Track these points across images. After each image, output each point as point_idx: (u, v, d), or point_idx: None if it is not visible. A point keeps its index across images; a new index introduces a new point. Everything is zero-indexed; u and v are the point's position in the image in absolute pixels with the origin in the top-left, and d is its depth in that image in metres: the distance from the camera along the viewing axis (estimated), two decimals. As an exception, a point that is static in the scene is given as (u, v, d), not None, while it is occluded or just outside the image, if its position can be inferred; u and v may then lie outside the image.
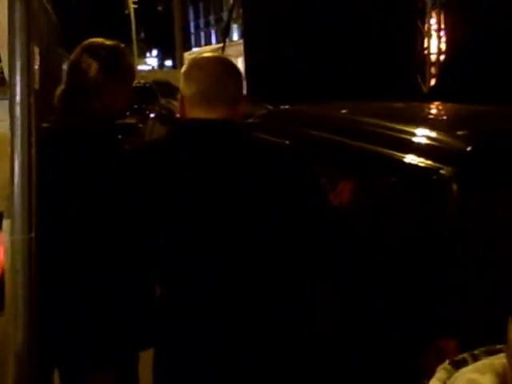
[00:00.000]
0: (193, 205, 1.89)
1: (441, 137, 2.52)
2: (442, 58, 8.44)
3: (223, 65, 2.02)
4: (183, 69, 2.05)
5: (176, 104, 8.36)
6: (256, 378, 1.93)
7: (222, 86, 1.97)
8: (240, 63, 15.88)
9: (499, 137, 2.46)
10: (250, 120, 4.35)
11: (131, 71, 2.56)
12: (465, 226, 2.14)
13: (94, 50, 2.45)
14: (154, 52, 63.38)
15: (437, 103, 3.93)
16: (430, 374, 2.01)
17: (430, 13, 9.18)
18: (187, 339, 1.93)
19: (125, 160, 2.16)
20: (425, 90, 8.12)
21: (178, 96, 2.07)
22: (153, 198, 1.92)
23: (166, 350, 2.00)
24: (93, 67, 2.41)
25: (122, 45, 2.58)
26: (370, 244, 2.44)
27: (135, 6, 38.56)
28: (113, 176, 2.14)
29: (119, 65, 2.46)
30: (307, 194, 1.96)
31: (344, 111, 3.26)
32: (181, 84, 2.03)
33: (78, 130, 2.39)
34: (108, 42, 2.50)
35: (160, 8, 52.51)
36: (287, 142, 3.06)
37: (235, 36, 35.38)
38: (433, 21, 9.20)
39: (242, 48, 14.22)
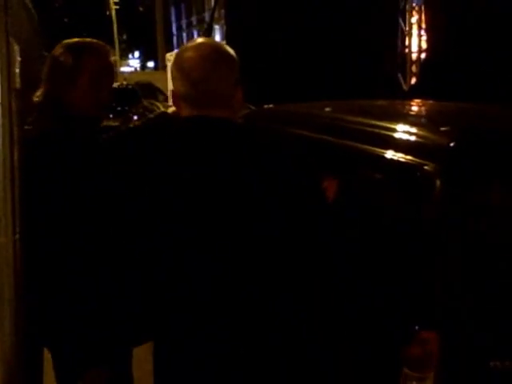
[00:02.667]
0: (189, 204, 1.86)
1: (424, 133, 2.54)
2: (423, 56, 8.50)
3: (217, 56, 1.90)
4: (174, 62, 1.95)
5: (159, 105, 8.36)
6: (255, 377, 1.92)
7: (216, 82, 1.89)
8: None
9: (482, 133, 2.49)
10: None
11: (111, 70, 2.55)
12: (449, 221, 2.16)
13: (68, 47, 2.47)
14: (136, 53, 63.24)
15: (418, 101, 3.95)
16: (412, 364, 2.04)
17: (411, 11, 9.24)
18: (186, 340, 1.92)
19: (121, 160, 2.14)
20: (405, 88, 8.18)
21: (170, 91, 2.05)
22: (149, 199, 1.90)
23: (165, 351, 1.98)
24: (69, 63, 2.42)
25: (101, 42, 2.58)
26: (356, 240, 2.46)
27: (116, 7, 38.43)
28: (103, 177, 2.13)
29: (98, 62, 2.47)
30: (305, 193, 1.94)
31: (327, 109, 3.27)
32: (172, 79, 1.96)
33: (65, 131, 2.39)
34: (81, 39, 2.52)
35: (141, 9, 52.38)
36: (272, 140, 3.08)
37: (218, 37, 35.39)
38: (414, 19, 9.26)
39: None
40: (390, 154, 2.41)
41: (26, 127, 2.46)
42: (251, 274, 1.88)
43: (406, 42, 9.19)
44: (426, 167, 2.21)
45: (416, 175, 2.24)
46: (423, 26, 8.74)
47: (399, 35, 9.18)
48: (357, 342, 2.31)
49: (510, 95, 4.81)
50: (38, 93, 2.52)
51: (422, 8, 8.89)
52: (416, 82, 8.05)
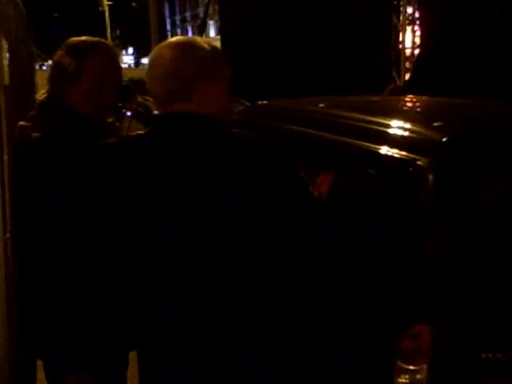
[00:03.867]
0: (159, 203, 1.90)
1: (417, 129, 2.56)
2: (417, 52, 8.52)
3: (175, 53, 1.97)
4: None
5: (152, 101, 8.36)
6: (232, 366, 1.94)
7: (174, 77, 1.95)
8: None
9: (474, 128, 2.51)
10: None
11: (116, 70, 2.54)
12: (441, 215, 2.18)
13: (71, 48, 2.46)
14: (130, 50, 63.06)
15: (412, 96, 3.98)
16: (405, 357, 2.07)
17: (405, 7, 9.25)
18: (159, 334, 1.94)
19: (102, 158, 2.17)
20: (399, 83, 8.20)
21: None
22: (121, 197, 1.94)
23: (143, 348, 2.01)
24: (71, 65, 2.41)
25: (107, 42, 2.57)
26: (349, 234, 2.48)
27: (110, 3, 38.33)
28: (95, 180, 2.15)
29: (102, 63, 2.46)
30: (284, 197, 1.94)
31: (321, 105, 3.29)
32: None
33: (65, 132, 2.38)
34: (86, 38, 2.50)
35: (135, 5, 52.25)
36: (267, 136, 3.10)
37: (212, 32, 35.32)
38: (407, 15, 9.28)
39: (218, 44, 14.24)
40: (383, 150, 2.43)
41: (22, 123, 2.47)
42: (222, 273, 1.90)
43: (400, 38, 9.21)
44: (418, 162, 2.23)
45: (409, 170, 2.26)
46: (417, 21, 8.76)
47: (393, 31, 9.20)
48: (351, 336, 2.33)
49: (503, 91, 4.85)
50: (43, 91, 2.52)
51: (416, 4, 8.92)
52: (409, 78, 8.07)
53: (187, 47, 1.99)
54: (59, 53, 2.48)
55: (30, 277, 2.31)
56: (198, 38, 2.06)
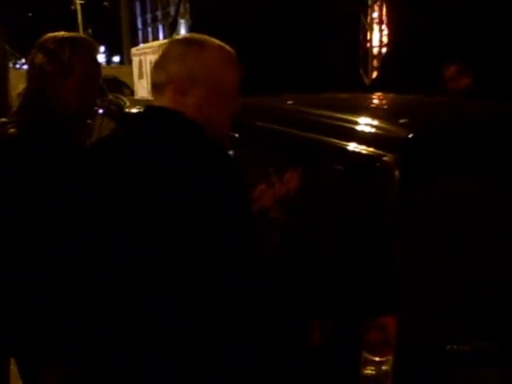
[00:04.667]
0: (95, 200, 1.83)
1: (384, 125, 2.60)
2: (384, 50, 8.62)
3: (169, 46, 1.91)
4: None
5: (124, 99, 8.33)
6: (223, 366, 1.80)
7: (158, 71, 1.89)
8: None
9: (440, 125, 2.55)
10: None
11: (88, 64, 2.47)
12: (407, 211, 2.22)
13: (42, 45, 2.44)
14: (102, 48, 62.68)
15: (379, 94, 4.02)
16: (371, 349, 2.10)
17: (372, 7, 9.34)
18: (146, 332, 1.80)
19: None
20: (367, 81, 8.28)
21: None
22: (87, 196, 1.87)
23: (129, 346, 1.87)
24: (43, 62, 2.39)
25: (78, 35, 2.54)
26: (317, 229, 2.51)
27: (81, 1, 38.03)
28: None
29: (69, 57, 2.42)
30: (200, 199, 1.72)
31: (290, 102, 3.32)
32: None
33: (47, 130, 2.35)
34: (58, 34, 2.47)
35: (106, 4, 51.90)
36: (236, 133, 3.11)
37: (183, 31, 35.21)
38: (375, 14, 9.37)
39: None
40: (351, 146, 2.46)
41: (4, 119, 2.45)
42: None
43: (368, 37, 9.29)
44: (385, 158, 2.27)
45: (376, 166, 2.29)
46: (384, 21, 8.85)
47: (361, 30, 9.28)
48: (318, 327, 2.36)
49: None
50: (22, 86, 2.49)
51: (384, 3, 9.00)
52: (377, 76, 8.16)
53: (196, 44, 1.90)
54: (38, 52, 2.43)
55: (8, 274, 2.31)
56: (216, 41, 1.95)
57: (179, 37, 1.99)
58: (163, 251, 1.72)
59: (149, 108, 1.92)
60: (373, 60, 9.10)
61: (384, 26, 8.79)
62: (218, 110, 1.93)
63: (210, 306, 1.72)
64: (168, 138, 1.81)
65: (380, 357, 2.11)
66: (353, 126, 2.64)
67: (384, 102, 3.60)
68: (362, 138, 2.50)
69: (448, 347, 2.17)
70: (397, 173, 2.21)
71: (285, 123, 2.96)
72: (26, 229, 2.25)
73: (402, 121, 2.62)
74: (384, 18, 8.80)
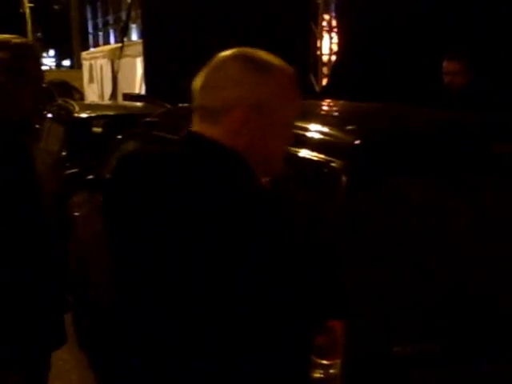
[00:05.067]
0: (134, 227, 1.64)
1: (333, 132, 2.64)
2: (334, 58, 8.74)
3: (219, 64, 1.61)
4: None
5: (74, 103, 8.25)
6: None
7: (209, 93, 1.58)
8: (139, 63, 15.77)
9: (387, 131, 2.61)
10: (147, 119, 4.38)
11: (35, 69, 2.44)
12: (355, 216, 2.26)
13: (11, 49, 2.39)
14: (51, 52, 61.86)
15: (329, 101, 4.07)
16: (319, 352, 2.12)
17: (322, 15, 9.45)
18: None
19: None
20: (317, 88, 8.38)
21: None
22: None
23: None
24: (13, 67, 2.34)
25: (27, 40, 2.52)
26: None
27: (31, 4, 37.49)
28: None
29: (20, 64, 2.37)
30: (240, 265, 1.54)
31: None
32: None
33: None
34: (19, 40, 2.42)
35: (57, 7, 51.28)
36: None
37: (134, 36, 35.01)
38: (324, 22, 9.49)
39: (141, 48, 14.13)
40: (301, 152, 2.50)
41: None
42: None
43: (318, 45, 9.40)
44: (332, 164, 2.31)
45: (324, 172, 2.33)
46: (334, 29, 8.97)
47: (311, 38, 9.39)
48: (267, 331, 2.37)
49: (415, 96, 5.03)
50: None
51: (333, 11, 9.13)
52: (327, 83, 8.27)
53: (257, 64, 1.61)
54: None
55: None
56: (276, 59, 1.64)
57: (230, 53, 1.62)
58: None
59: (199, 140, 1.58)
60: (323, 67, 9.20)
61: (333, 34, 8.91)
62: (277, 142, 1.66)
63: (237, 315, 1.59)
64: (219, 181, 1.54)
65: (328, 360, 2.13)
66: (303, 132, 2.67)
67: (333, 109, 3.65)
68: (311, 144, 2.54)
69: (395, 349, 2.20)
70: (344, 178, 2.25)
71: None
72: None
73: (350, 127, 2.67)
74: (333, 25, 8.92)
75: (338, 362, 2.14)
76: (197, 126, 1.58)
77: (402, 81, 6.48)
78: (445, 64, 5.19)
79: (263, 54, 1.65)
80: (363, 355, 2.18)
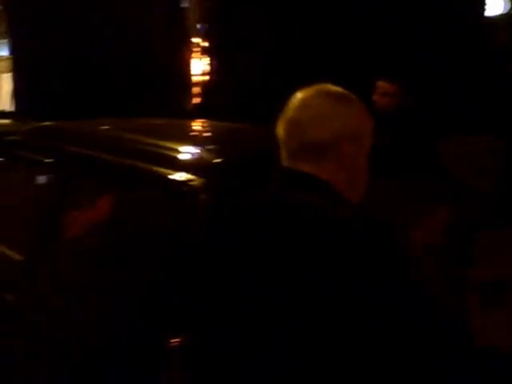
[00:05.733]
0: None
1: (195, 151, 2.70)
2: (205, 78, 8.87)
3: (319, 100, 1.64)
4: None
5: None
6: None
7: (313, 128, 1.61)
8: (8, 79, 15.27)
9: (248, 151, 2.69)
10: (13, 137, 4.27)
11: None
12: (213, 233, 2.31)
13: None
14: None
15: (195, 120, 4.14)
16: (175, 368, 2.13)
17: (192, 37, 9.56)
18: None
19: None
20: (188, 108, 8.47)
21: None
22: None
23: None
24: None
25: None
26: (130, 254, 2.55)
27: None
28: None
29: None
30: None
31: (106, 127, 3.34)
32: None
33: None
34: None
35: None
36: (50, 157, 3.07)
37: (3, 51, 33.84)
38: (195, 45, 9.59)
39: (9, 63, 13.69)
40: (162, 171, 2.52)
41: None
42: None
43: (190, 65, 9.49)
44: (191, 183, 2.36)
45: (183, 190, 2.38)
46: (205, 51, 9.10)
47: (184, 58, 9.45)
48: (115, 348, 2.39)
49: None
50: None
51: (204, 34, 9.26)
52: (198, 103, 8.38)
53: (345, 99, 1.66)
54: None
55: None
56: (346, 92, 1.69)
57: (313, 91, 1.67)
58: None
59: (309, 179, 1.62)
60: (194, 87, 9.29)
61: (204, 56, 9.03)
62: (365, 169, 1.69)
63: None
64: (342, 219, 1.53)
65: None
66: (166, 151, 2.70)
67: (198, 128, 3.70)
68: (173, 163, 2.57)
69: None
70: (203, 196, 2.31)
71: (101, 149, 2.95)
72: None
73: (211, 147, 2.74)
74: (204, 47, 9.05)
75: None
76: (292, 163, 1.63)
77: (272, 101, 6.65)
78: (381, 85, 5.06)
79: (333, 87, 1.68)
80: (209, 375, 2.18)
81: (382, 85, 5.06)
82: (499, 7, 8.64)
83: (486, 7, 7.92)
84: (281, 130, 1.67)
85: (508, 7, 8.61)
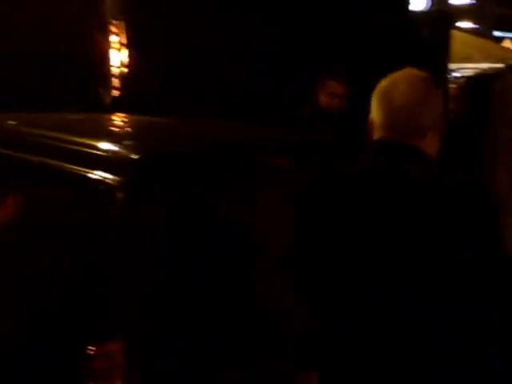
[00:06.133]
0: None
1: (113, 148, 2.57)
2: (125, 70, 8.67)
3: (422, 88, 1.88)
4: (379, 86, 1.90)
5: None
6: None
7: (418, 111, 1.85)
8: None
9: (166, 148, 2.57)
10: None
11: None
12: (132, 232, 2.20)
13: None
14: None
15: (113, 115, 3.99)
16: (98, 377, 2.04)
17: (112, 27, 9.34)
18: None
19: None
20: (108, 101, 8.25)
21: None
22: None
23: None
24: None
25: None
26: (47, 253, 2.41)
27: None
28: None
29: None
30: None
31: (16, 123, 3.15)
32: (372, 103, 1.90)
33: None
34: None
35: None
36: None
37: None
38: (114, 35, 9.36)
39: None
40: (77, 169, 2.40)
41: None
42: None
43: (109, 57, 9.27)
44: (108, 181, 2.24)
45: (100, 189, 2.26)
46: (125, 42, 8.88)
47: (102, 50, 9.22)
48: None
49: (211, 111, 5.06)
50: None
51: (123, 24, 9.06)
52: (118, 96, 8.18)
53: (432, 83, 1.92)
54: None
55: None
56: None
57: (415, 76, 1.92)
58: None
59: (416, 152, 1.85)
60: (113, 80, 9.06)
61: (124, 47, 8.81)
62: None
63: None
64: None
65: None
66: (83, 148, 2.56)
67: (116, 123, 3.57)
68: (89, 160, 2.44)
69: (175, 370, 2.17)
70: (120, 195, 2.20)
71: (10, 145, 2.79)
72: None
73: (129, 143, 2.62)
74: (124, 38, 8.83)
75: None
76: (399, 138, 1.83)
77: (195, 95, 6.52)
78: (331, 85, 4.93)
79: (422, 73, 1.94)
80: (146, 378, 2.12)
81: (330, 84, 4.93)
82: (421, 3, 8.79)
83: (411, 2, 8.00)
84: (383, 111, 1.86)
85: (429, 4, 8.77)
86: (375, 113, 1.87)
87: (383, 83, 1.89)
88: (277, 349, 2.11)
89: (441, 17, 8.35)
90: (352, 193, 1.82)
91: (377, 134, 1.87)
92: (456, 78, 12.69)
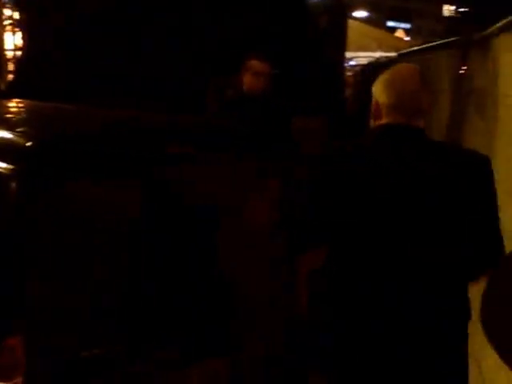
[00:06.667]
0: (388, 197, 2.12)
1: (5, 135, 2.47)
2: (19, 53, 8.35)
3: (418, 77, 2.28)
4: (384, 76, 2.30)
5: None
6: None
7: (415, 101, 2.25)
8: None
9: (61, 134, 2.49)
10: None
11: None
12: (28, 222, 2.13)
13: None
14: None
15: (8, 101, 3.83)
16: (3, 374, 1.98)
17: (4, 7, 8.95)
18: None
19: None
20: (2, 86, 7.92)
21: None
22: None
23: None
24: None
25: None
26: None
27: None
28: None
29: None
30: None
31: None
32: (378, 90, 2.29)
33: None
34: None
35: None
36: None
37: None
38: (6, 17, 9.00)
39: None
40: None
41: None
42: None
43: (2, 40, 8.88)
44: (1, 170, 2.16)
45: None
46: (18, 24, 8.55)
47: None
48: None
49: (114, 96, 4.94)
50: None
51: (16, 5, 8.71)
52: (12, 80, 7.85)
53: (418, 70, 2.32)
54: None
55: None
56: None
57: (413, 68, 2.33)
58: None
59: (416, 131, 2.25)
60: (8, 63, 8.70)
61: (17, 28, 8.46)
62: None
63: None
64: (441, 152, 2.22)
65: (10, 381, 2.01)
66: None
67: (9, 109, 3.44)
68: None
69: (83, 354, 2.15)
70: (14, 184, 2.12)
71: None
72: None
73: (23, 130, 2.52)
74: (17, 20, 8.47)
75: (20, 380, 2.02)
76: (406, 120, 2.23)
77: (92, 80, 6.36)
78: (254, 64, 4.73)
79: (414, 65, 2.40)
80: (48, 367, 2.07)
81: (254, 64, 4.73)
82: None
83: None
84: (392, 95, 2.25)
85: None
86: (384, 98, 2.25)
87: (388, 74, 2.28)
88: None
89: (337, 6, 8.49)
90: None
91: (384, 118, 2.24)
92: (352, 66, 13.03)
